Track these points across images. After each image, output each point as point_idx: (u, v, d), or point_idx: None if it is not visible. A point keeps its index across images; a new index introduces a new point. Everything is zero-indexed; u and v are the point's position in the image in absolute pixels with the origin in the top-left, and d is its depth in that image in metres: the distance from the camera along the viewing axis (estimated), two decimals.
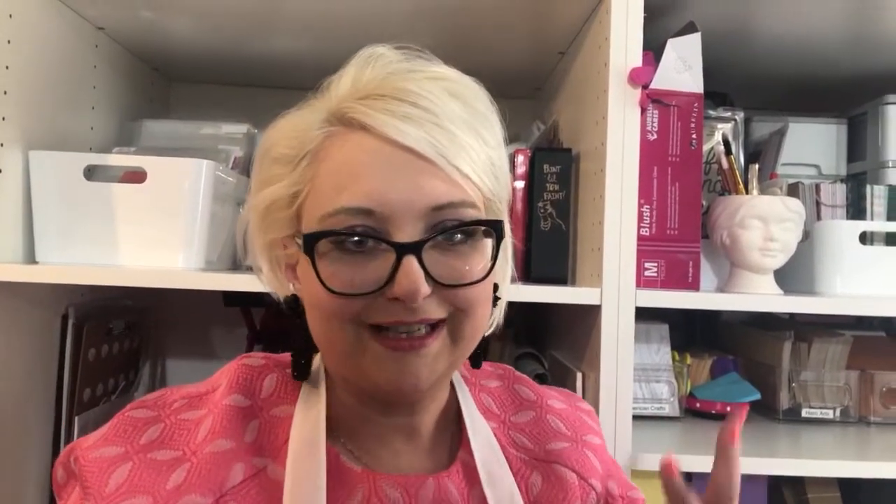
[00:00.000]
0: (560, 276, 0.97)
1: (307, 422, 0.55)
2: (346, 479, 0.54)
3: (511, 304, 1.15)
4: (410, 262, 0.48)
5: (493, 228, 0.53)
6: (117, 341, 1.13)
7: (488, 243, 0.53)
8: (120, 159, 0.97)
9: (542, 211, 0.98)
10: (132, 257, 0.92)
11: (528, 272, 1.00)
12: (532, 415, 0.64)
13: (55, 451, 1.01)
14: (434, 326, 0.51)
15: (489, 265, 0.52)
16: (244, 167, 1.11)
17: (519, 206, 1.12)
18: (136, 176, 0.93)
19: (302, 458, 0.53)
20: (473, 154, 0.52)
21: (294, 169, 0.53)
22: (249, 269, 0.60)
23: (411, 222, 0.50)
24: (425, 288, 0.49)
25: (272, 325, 1.24)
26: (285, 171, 0.54)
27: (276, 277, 0.59)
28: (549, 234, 0.97)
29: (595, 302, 0.86)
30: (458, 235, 0.51)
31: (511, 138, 1.23)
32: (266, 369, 0.58)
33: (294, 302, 0.58)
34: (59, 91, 1.01)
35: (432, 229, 0.50)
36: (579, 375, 0.92)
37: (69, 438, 0.98)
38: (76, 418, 1.00)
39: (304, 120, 0.55)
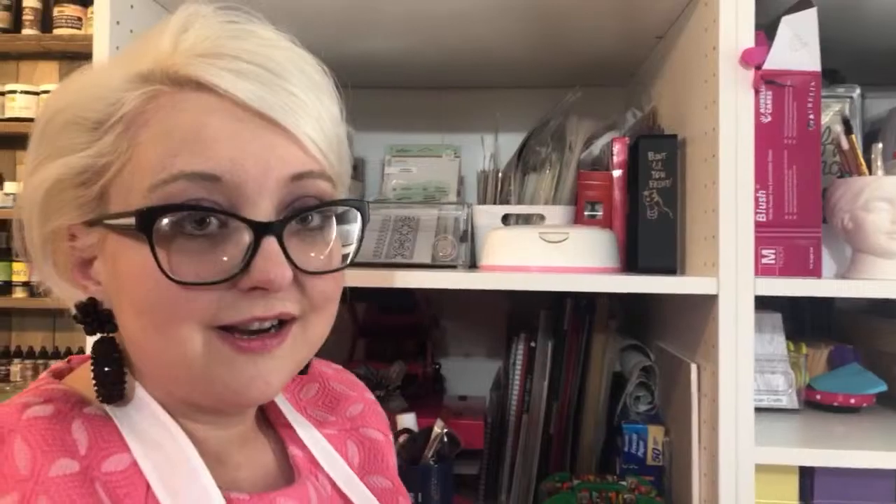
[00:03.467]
0: (669, 266, 0.94)
1: (178, 462, 0.44)
2: None
3: (614, 296, 1.13)
4: (271, 243, 0.42)
5: (359, 210, 0.49)
6: None
7: (337, 229, 0.48)
8: None
9: (647, 199, 0.96)
10: None
11: (634, 263, 0.99)
12: (316, 387, 0.61)
13: None
14: (282, 324, 0.45)
15: (350, 252, 0.48)
16: None
17: (617, 194, 1.11)
18: None
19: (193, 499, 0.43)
20: (325, 125, 0.47)
21: (101, 137, 0.43)
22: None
23: (267, 195, 0.43)
24: (290, 273, 0.43)
25: (375, 319, 1.26)
26: (86, 140, 0.44)
27: (59, 278, 0.47)
28: (657, 223, 0.95)
29: (712, 291, 0.83)
30: (315, 218, 0.46)
31: (608, 126, 1.21)
32: (64, 416, 0.43)
33: (92, 308, 0.46)
34: None
35: (288, 207, 0.44)
36: (694, 367, 0.90)
37: None
38: None
39: (109, 79, 0.45)
